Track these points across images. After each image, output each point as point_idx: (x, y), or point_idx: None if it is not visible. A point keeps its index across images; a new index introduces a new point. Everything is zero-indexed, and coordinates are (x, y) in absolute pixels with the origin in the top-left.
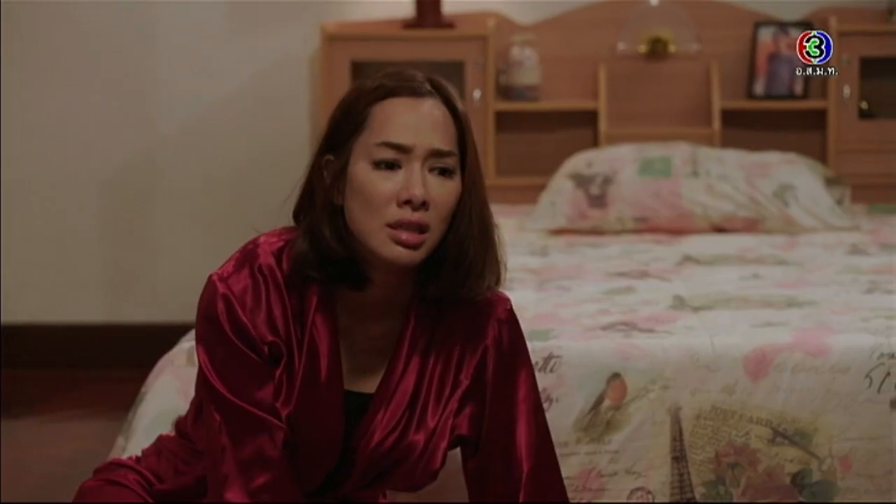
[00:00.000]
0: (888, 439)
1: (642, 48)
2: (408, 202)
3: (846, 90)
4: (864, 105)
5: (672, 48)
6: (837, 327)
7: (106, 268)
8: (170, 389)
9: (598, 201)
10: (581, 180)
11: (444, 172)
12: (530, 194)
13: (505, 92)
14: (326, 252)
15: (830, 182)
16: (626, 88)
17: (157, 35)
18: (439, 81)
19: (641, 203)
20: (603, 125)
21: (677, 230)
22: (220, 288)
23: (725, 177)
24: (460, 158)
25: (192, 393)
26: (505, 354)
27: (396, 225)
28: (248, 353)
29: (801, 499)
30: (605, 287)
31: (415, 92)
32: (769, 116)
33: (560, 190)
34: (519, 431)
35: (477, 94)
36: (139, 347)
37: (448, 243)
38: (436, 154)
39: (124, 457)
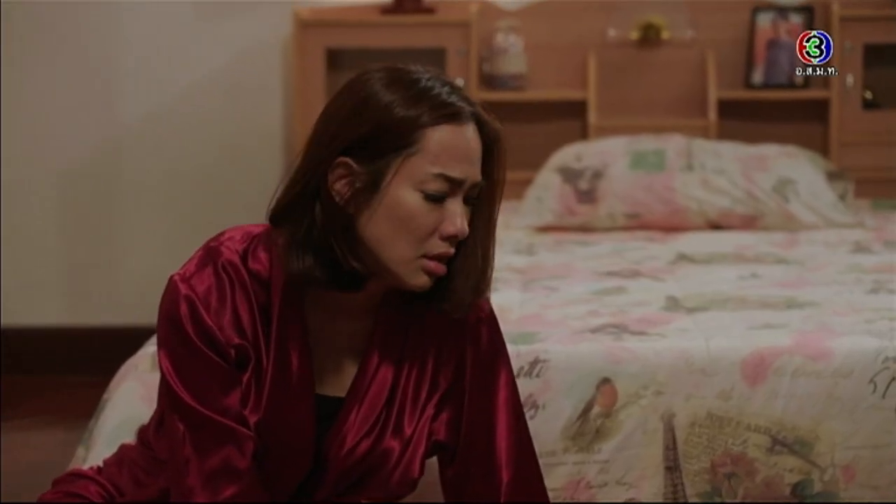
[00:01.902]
0: (893, 447)
1: (634, 35)
2: (451, 237)
3: (849, 79)
4: (868, 95)
5: (665, 35)
6: (840, 329)
7: (65, 267)
8: (133, 396)
9: (588, 197)
10: (569, 174)
11: (470, 201)
12: (516, 189)
13: (489, 81)
14: (342, 268)
15: (832, 176)
16: (616, 77)
17: (121, 20)
18: (470, 98)
19: (633, 198)
20: (592, 116)
21: (671, 227)
22: (183, 289)
23: (722, 171)
24: None
25: (156, 400)
26: (484, 355)
27: (434, 257)
28: (214, 358)
29: None
30: (595, 287)
31: (462, 118)
32: (768, 107)
33: (547, 185)
34: (499, 437)
35: (460, 82)
36: (101, 352)
37: (465, 264)
38: (475, 185)
39: (85, 467)
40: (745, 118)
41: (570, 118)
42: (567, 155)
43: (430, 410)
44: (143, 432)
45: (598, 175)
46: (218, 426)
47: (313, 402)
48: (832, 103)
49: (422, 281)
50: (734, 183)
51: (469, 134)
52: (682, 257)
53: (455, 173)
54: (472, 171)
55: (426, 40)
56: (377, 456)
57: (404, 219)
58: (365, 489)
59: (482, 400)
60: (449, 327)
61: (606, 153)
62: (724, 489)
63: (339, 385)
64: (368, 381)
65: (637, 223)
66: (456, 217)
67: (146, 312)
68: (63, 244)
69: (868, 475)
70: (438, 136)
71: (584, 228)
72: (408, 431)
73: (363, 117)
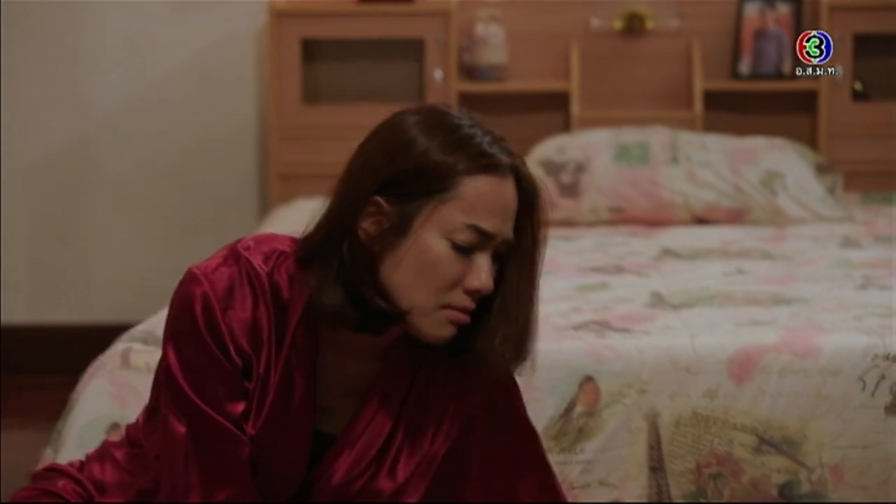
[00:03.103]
0: (883, 447)
1: (618, 24)
2: (474, 291)
3: (839, 70)
4: (857, 86)
5: (650, 24)
6: (828, 326)
7: (33, 264)
8: (102, 395)
9: (571, 190)
10: (552, 167)
11: (495, 258)
12: None
13: (469, 72)
14: (369, 308)
15: (821, 169)
16: (600, 68)
17: (92, 9)
18: (511, 149)
19: (617, 192)
20: (575, 108)
21: (656, 221)
22: (203, 284)
23: (708, 164)
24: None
25: (128, 398)
26: (500, 424)
27: (457, 309)
28: (223, 361)
29: None
30: (578, 283)
31: (501, 169)
32: (755, 98)
33: None
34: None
35: (438, 74)
36: (69, 351)
37: (501, 323)
38: (506, 242)
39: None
40: (732, 110)
41: (552, 110)
42: (549, 148)
43: (429, 461)
44: (131, 429)
45: (580, 168)
46: (219, 427)
47: (310, 435)
48: (821, 94)
49: (444, 332)
50: (720, 176)
51: (507, 188)
52: (667, 252)
53: (487, 226)
54: (504, 227)
55: (404, 30)
56: (366, 496)
57: (428, 266)
58: None
59: (502, 483)
60: (459, 383)
61: (589, 146)
62: (710, 490)
63: (336, 423)
64: (364, 424)
65: (621, 217)
66: (482, 271)
67: (116, 310)
68: (31, 240)
69: (857, 475)
70: (475, 186)
71: (567, 223)
72: (401, 476)
73: (400, 159)
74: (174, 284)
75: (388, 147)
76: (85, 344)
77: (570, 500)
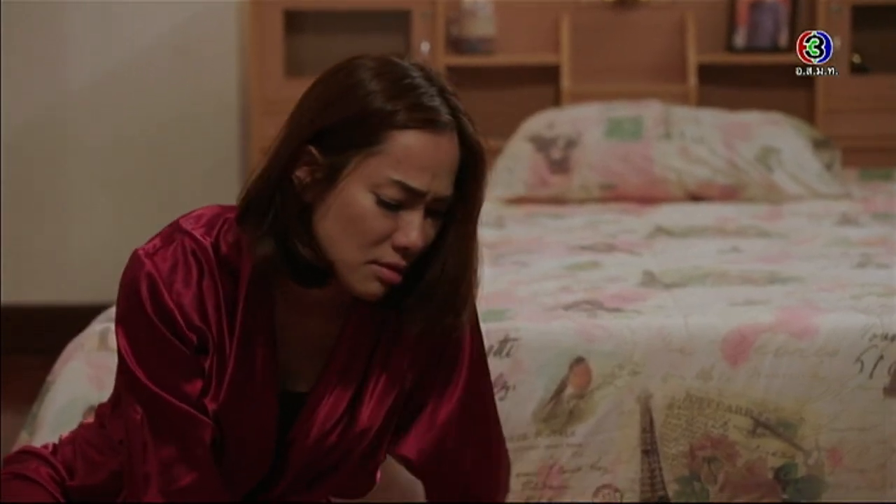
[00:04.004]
0: (881, 429)
1: None
2: (402, 249)
3: (836, 42)
4: (856, 59)
5: None
6: (825, 306)
7: (6, 242)
8: (80, 377)
9: (561, 167)
10: (541, 143)
11: (435, 214)
12: None
13: (456, 45)
14: (298, 259)
15: (818, 145)
16: (591, 40)
17: None
18: (458, 105)
19: (608, 168)
20: (566, 82)
21: (648, 199)
22: (146, 265)
23: (702, 139)
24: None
25: (105, 380)
26: (448, 361)
27: (384, 265)
28: (174, 342)
29: (785, 496)
30: (568, 262)
31: (438, 126)
32: (751, 72)
33: (518, 154)
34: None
35: (425, 47)
36: (45, 331)
37: (433, 283)
38: (440, 199)
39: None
40: (727, 84)
41: (542, 84)
42: (539, 123)
43: (393, 416)
44: (101, 409)
45: (571, 144)
46: (176, 411)
47: (276, 398)
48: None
49: (372, 288)
50: (714, 152)
51: (442, 145)
52: (660, 230)
53: (415, 183)
54: (436, 184)
55: (390, 1)
56: (341, 452)
57: (354, 219)
58: (323, 485)
59: (435, 407)
60: (422, 338)
61: (580, 121)
62: (704, 474)
63: (305, 383)
64: (334, 381)
65: (612, 194)
66: (411, 229)
67: (93, 289)
68: (5, 218)
69: (855, 458)
70: (405, 141)
71: (557, 200)
72: (371, 430)
73: (339, 105)
74: None
75: (331, 93)
76: (60, 324)
77: (559, 484)
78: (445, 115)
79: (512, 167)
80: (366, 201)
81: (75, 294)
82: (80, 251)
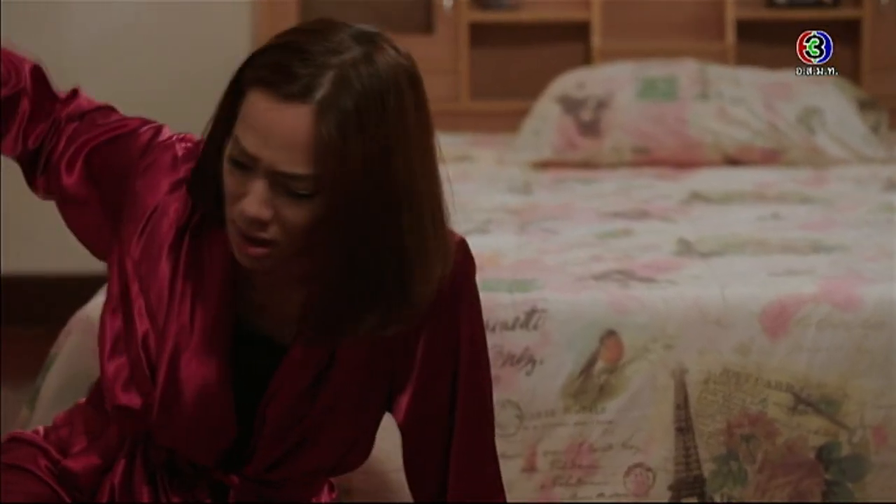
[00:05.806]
0: None
1: None
2: (243, 218)
3: None
4: None
5: None
6: (870, 276)
7: (5, 210)
8: (84, 351)
9: (591, 129)
10: (570, 104)
11: (294, 196)
12: (511, 121)
13: (481, 0)
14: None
15: (864, 105)
16: None
17: None
18: (329, 80)
19: (641, 131)
20: (596, 39)
21: (683, 163)
22: (176, 143)
23: (740, 100)
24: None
25: None
26: (442, 339)
27: (238, 230)
28: (124, 148)
29: (828, 476)
30: (598, 229)
31: (282, 92)
32: (792, 28)
33: (546, 116)
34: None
35: (448, 2)
36: (48, 302)
37: (312, 294)
38: (281, 175)
39: (30, 430)
40: (767, 41)
41: (571, 41)
42: (568, 83)
43: (381, 384)
44: (95, 388)
45: (602, 105)
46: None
47: (228, 350)
48: (864, 23)
49: (237, 252)
50: (754, 113)
51: (285, 114)
52: (696, 196)
53: (245, 143)
54: (269, 154)
55: None
56: (316, 419)
57: (223, 173)
58: (297, 462)
59: (435, 386)
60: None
61: (611, 80)
62: (742, 452)
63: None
64: (301, 354)
65: (645, 158)
66: (251, 199)
67: (96, 259)
68: (4, 183)
69: None
70: (251, 99)
71: (587, 164)
72: (354, 399)
73: (247, 59)
74: None
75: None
76: (63, 295)
77: (589, 463)
78: (299, 87)
79: (539, 129)
80: (227, 158)
81: (78, 264)
82: None
